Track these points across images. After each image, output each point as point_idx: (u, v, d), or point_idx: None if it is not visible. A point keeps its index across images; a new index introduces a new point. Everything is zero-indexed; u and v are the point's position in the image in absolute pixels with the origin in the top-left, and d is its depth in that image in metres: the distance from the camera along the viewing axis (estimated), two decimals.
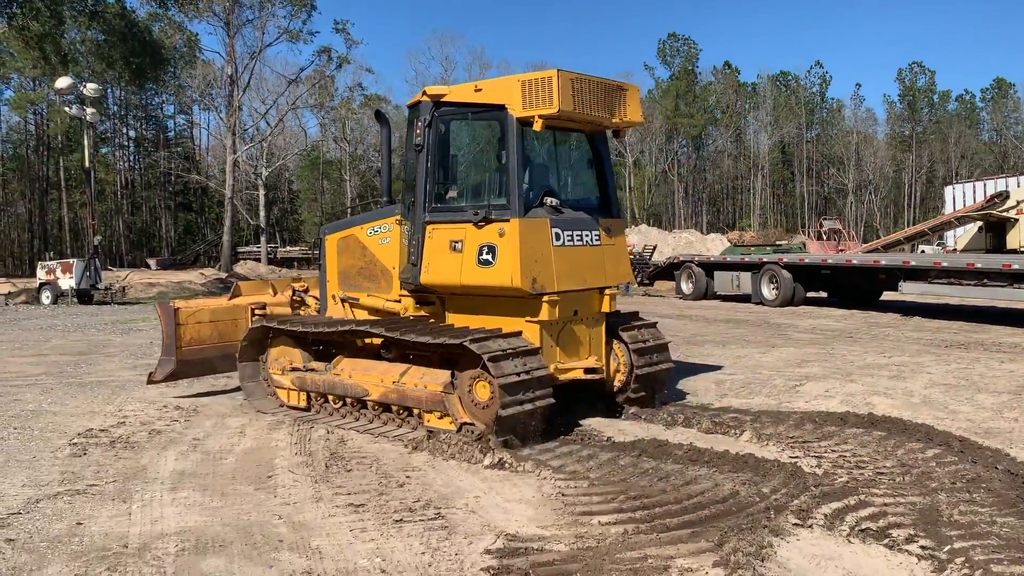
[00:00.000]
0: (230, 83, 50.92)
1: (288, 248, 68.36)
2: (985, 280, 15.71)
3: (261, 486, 5.85)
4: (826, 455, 6.41)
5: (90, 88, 29.43)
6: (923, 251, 31.64)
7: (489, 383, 6.53)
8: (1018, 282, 14.92)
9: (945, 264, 16.72)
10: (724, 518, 4.98)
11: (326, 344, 8.29)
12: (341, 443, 6.99)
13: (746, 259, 21.82)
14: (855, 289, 20.19)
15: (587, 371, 7.50)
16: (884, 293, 20.27)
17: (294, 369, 8.17)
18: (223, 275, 41.04)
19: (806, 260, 20.45)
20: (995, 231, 23.99)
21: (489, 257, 6.99)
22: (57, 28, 46.92)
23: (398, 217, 8.00)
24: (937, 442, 6.68)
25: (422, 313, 7.87)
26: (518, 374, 6.50)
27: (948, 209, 32.18)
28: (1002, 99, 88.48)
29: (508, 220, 6.90)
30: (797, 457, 6.36)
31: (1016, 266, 14.90)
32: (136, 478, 6.07)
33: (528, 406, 6.54)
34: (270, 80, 58.96)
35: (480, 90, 7.27)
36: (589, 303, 7.63)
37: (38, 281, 26.85)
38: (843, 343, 13.33)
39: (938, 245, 32.94)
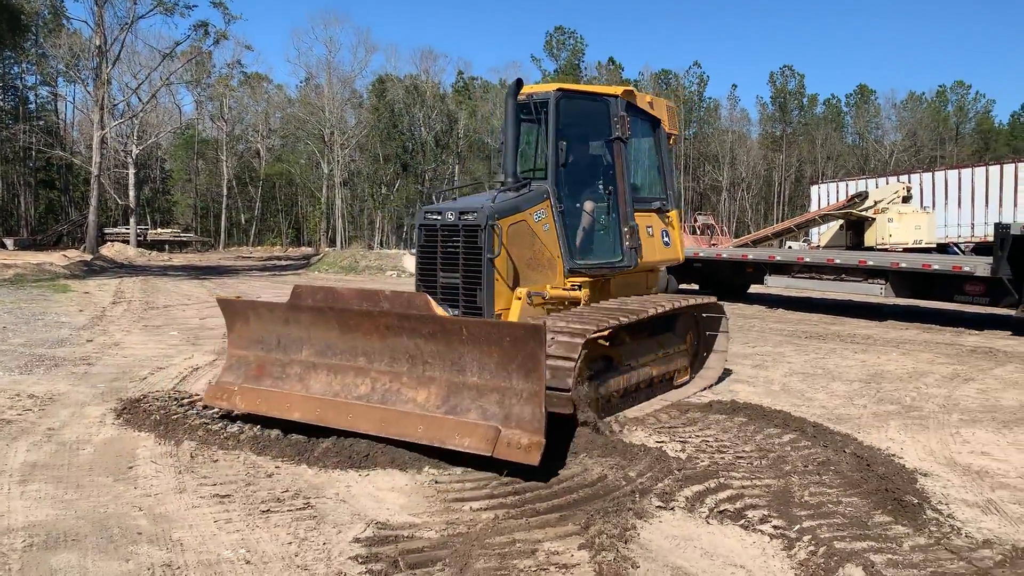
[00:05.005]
0: (98, 55, 48.21)
1: (159, 230, 65.65)
2: (843, 275, 16.70)
3: (120, 477, 5.60)
4: (690, 440, 6.67)
5: None
6: (790, 247, 33.13)
7: None
8: (872, 277, 15.94)
9: (807, 259, 17.69)
10: (592, 502, 5.12)
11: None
12: (208, 433, 6.74)
13: None
14: (725, 282, 21.00)
15: None
16: (752, 286, 21.19)
17: None
18: (88, 257, 38.90)
19: None
20: (855, 229, 25.48)
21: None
22: None
23: (549, 201, 7.90)
24: (793, 427, 7.05)
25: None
26: None
27: (813, 207, 33.89)
28: (864, 105, 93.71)
29: None
30: (663, 442, 6.59)
31: (871, 262, 15.91)
32: None
33: None
34: (143, 53, 56.54)
35: None
36: None
37: None
38: None
39: (803, 241, 34.60)
